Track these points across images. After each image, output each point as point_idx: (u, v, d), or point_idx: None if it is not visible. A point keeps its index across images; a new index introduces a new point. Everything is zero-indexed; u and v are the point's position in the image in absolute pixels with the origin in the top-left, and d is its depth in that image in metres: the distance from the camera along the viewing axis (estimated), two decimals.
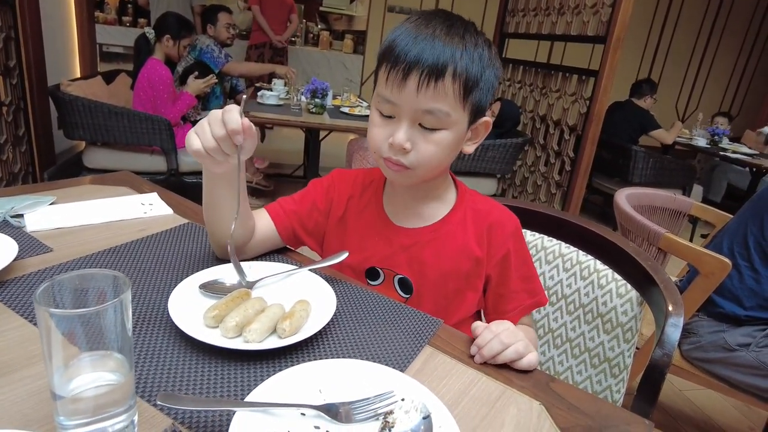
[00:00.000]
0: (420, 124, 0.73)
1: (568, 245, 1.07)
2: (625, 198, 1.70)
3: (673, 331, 0.81)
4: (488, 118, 0.81)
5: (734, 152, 4.33)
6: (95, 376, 0.44)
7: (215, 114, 0.66)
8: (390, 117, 0.75)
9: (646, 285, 0.93)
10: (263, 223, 0.87)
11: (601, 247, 1.02)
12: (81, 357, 0.43)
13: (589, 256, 1.03)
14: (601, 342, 1.01)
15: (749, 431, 1.91)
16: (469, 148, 0.82)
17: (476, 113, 0.77)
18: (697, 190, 4.31)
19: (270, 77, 4.35)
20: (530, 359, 0.66)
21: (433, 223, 0.86)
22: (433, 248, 0.85)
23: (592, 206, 4.40)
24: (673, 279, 1.70)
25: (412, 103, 0.71)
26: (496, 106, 3.35)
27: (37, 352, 0.57)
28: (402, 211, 0.88)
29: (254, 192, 3.56)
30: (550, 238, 1.09)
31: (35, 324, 0.61)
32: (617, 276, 0.99)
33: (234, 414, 0.47)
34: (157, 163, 2.85)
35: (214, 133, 0.65)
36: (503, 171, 3.36)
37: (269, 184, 3.69)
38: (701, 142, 4.68)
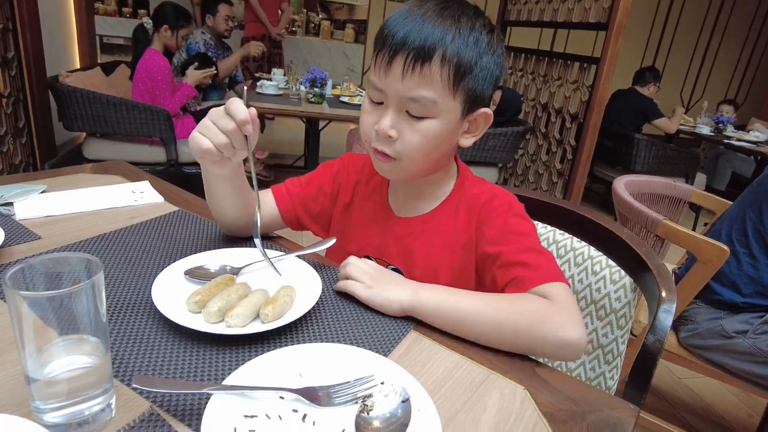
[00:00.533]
0: (407, 112, 0.70)
1: (562, 232, 1.06)
2: (623, 185, 1.68)
3: (666, 317, 0.80)
4: (487, 110, 0.75)
5: (739, 140, 4.28)
6: (70, 359, 0.44)
7: (217, 111, 0.64)
8: (380, 104, 0.72)
9: (639, 271, 0.91)
10: (268, 206, 0.86)
11: (595, 233, 1.01)
12: (55, 341, 0.43)
13: (583, 243, 1.02)
14: (594, 329, 1.00)
15: (748, 418, 1.90)
16: (467, 141, 0.77)
17: (472, 103, 0.72)
18: (701, 178, 4.26)
19: (268, 66, 4.32)
20: (354, 290, 0.70)
21: (425, 214, 0.84)
22: (423, 239, 0.83)
23: (594, 195, 4.38)
24: (672, 267, 1.69)
25: (398, 88, 0.68)
26: (497, 95, 3.32)
27: None
28: (401, 201, 0.86)
29: None
30: (544, 224, 1.08)
31: None
32: (611, 262, 0.97)
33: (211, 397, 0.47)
34: (156, 153, 2.84)
35: (223, 127, 0.63)
36: (504, 160, 3.34)
37: (269, 174, 3.69)
38: (705, 130, 4.62)
